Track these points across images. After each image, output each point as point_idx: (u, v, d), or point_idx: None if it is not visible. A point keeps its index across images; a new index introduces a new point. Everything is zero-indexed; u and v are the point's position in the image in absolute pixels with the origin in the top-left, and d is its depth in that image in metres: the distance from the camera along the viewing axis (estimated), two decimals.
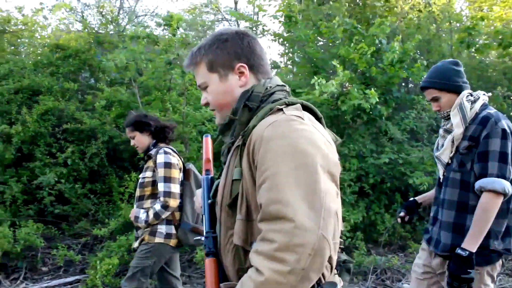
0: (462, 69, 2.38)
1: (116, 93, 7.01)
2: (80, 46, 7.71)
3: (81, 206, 6.06)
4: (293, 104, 1.28)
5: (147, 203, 3.06)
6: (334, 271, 1.28)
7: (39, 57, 7.76)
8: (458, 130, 2.26)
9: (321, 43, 7.70)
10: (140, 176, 3.13)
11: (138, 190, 3.12)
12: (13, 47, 8.12)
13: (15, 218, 5.58)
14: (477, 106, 2.28)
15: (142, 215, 2.99)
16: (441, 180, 2.39)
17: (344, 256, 1.42)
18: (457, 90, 2.32)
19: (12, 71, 6.98)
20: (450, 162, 2.33)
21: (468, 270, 2.07)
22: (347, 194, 5.78)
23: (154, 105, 6.00)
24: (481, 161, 2.17)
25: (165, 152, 3.04)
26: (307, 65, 6.85)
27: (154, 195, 3.05)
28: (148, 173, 3.06)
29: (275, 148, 1.11)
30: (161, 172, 2.98)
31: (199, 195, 1.61)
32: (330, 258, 1.18)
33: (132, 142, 3.24)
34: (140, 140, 3.21)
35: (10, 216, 5.48)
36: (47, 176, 5.70)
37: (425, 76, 2.45)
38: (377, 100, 5.38)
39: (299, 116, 1.20)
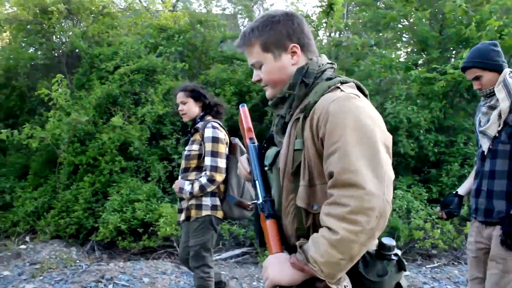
0: (500, 49, 2.50)
1: (227, 72, 7.23)
2: (182, 26, 7.86)
3: None
4: (346, 82, 1.40)
5: (192, 175, 3.11)
6: None
7: (139, 38, 7.91)
8: (504, 104, 2.36)
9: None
10: (186, 148, 3.16)
11: (183, 162, 3.16)
12: (115, 29, 8.24)
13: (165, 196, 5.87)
14: None
15: (187, 187, 3.04)
16: (485, 153, 2.48)
17: None
18: (498, 69, 2.43)
19: (126, 53, 7.16)
20: (497, 135, 2.42)
21: None
22: None
23: None
24: None
25: (213, 127, 3.07)
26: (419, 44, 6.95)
27: (199, 168, 3.10)
28: (195, 146, 3.09)
29: (342, 122, 1.24)
30: (208, 146, 3.02)
31: (243, 161, 1.70)
32: None
33: (181, 107, 3.22)
34: (191, 109, 3.21)
35: (161, 194, 5.78)
36: None
37: (466, 57, 2.56)
38: None
39: (356, 94, 1.34)
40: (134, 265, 4.62)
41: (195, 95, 3.21)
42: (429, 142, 6.15)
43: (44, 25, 7.44)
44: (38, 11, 7.29)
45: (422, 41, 7.02)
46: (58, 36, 7.57)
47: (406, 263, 1.41)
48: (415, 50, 7.20)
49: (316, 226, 1.30)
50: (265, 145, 1.60)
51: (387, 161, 1.23)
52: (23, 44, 7.99)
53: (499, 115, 2.38)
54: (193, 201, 3.05)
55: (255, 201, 1.52)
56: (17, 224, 5.58)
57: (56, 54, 7.74)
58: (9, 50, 7.83)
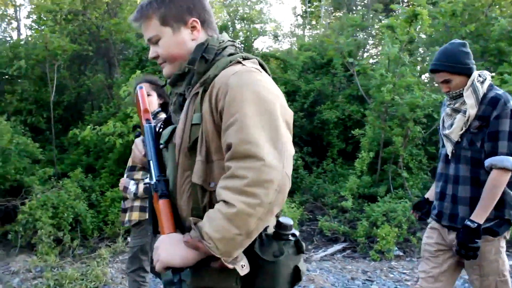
0: (469, 50, 2.41)
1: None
2: (221, 21, 7.91)
3: None
4: (248, 58, 1.39)
5: (138, 175, 3.01)
6: None
7: None
8: (472, 111, 2.30)
9: None
10: None
11: (130, 160, 3.03)
12: None
13: None
14: (485, 86, 2.34)
15: (132, 187, 2.94)
16: (449, 157, 2.44)
17: None
18: (468, 72, 2.34)
19: None
20: (460, 140, 2.37)
21: (476, 240, 2.18)
22: None
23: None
24: (492, 140, 2.24)
25: None
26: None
27: (145, 168, 3.15)
28: None
29: (241, 95, 1.20)
30: None
31: (138, 144, 1.61)
32: None
33: None
34: (153, 102, 3.05)
35: None
36: None
37: (434, 59, 2.45)
38: None
39: (257, 69, 1.32)
40: None
41: (160, 91, 3.09)
42: None
43: (89, 17, 7.15)
44: (88, 3, 6.99)
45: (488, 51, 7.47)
46: (104, 28, 7.26)
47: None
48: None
49: (212, 205, 1.22)
50: (161, 126, 1.53)
51: (287, 136, 1.21)
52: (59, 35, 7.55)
53: (467, 121, 2.33)
54: (137, 203, 2.97)
55: (148, 182, 1.47)
56: (113, 224, 5.43)
57: (101, 46, 7.43)
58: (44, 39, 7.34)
